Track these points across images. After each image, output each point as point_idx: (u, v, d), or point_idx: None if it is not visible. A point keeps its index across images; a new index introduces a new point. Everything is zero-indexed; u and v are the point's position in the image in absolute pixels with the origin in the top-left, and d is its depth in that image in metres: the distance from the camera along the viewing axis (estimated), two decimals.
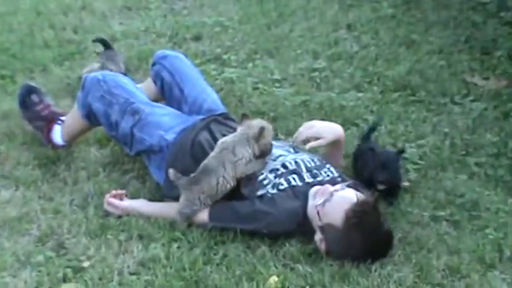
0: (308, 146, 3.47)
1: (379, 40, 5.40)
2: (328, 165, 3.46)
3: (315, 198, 3.19)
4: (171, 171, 3.28)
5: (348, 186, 3.22)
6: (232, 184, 3.25)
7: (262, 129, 3.26)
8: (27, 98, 4.00)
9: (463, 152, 4.04)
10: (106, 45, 4.67)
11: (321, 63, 5.00)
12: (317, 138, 3.48)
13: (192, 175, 3.25)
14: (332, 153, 3.60)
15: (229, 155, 3.23)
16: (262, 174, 3.34)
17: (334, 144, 3.56)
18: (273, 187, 3.30)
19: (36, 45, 5.13)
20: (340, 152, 3.64)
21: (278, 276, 2.96)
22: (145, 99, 3.71)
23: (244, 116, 3.38)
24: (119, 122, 3.61)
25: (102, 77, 3.70)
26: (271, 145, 3.32)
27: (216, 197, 3.26)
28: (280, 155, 3.45)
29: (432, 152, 4.02)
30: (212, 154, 3.28)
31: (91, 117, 3.73)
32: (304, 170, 3.37)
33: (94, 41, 4.89)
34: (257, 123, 3.32)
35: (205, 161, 3.26)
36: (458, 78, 4.85)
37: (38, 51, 5.04)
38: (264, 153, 3.30)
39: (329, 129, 3.55)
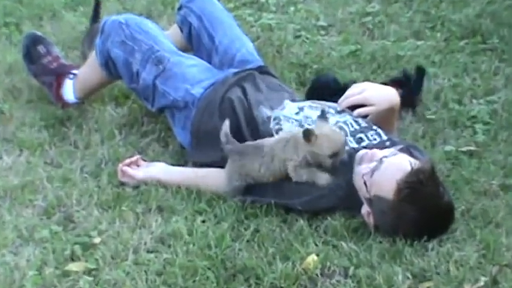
0: (355, 112, 3.38)
1: None
2: (375, 127, 3.37)
3: (361, 165, 3.13)
4: (226, 122, 3.24)
5: (401, 150, 3.15)
6: (273, 177, 3.20)
7: (308, 133, 3.09)
8: (32, 49, 4.00)
9: None
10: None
11: (375, 7, 4.96)
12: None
13: (246, 143, 3.24)
14: (383, 119, 3.45)
15: (280, 151, 3.17)
16: None
17: (387, 111, 3.45)
18: None
19: None
20: (393, 119, 3.52)
21: (318, 255, 2.92)
22: (172, 48, 3.70)
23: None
24: (140, 72, 3.61)
25: (124, 21, 3.70)
26: (334, 159, 3.12)
27: (258, 180, 3.21)
28: None
29: (504, 109, 3.94)
30: (273, 139, 3.22)
31: (110, 66, 3.73)
32: (347, 134, 3.29)
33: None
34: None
35: (264, 140, 3.23)
36: None
37: None
38: (321, 165, 3.15)
39: (382, 96, 3.44)
